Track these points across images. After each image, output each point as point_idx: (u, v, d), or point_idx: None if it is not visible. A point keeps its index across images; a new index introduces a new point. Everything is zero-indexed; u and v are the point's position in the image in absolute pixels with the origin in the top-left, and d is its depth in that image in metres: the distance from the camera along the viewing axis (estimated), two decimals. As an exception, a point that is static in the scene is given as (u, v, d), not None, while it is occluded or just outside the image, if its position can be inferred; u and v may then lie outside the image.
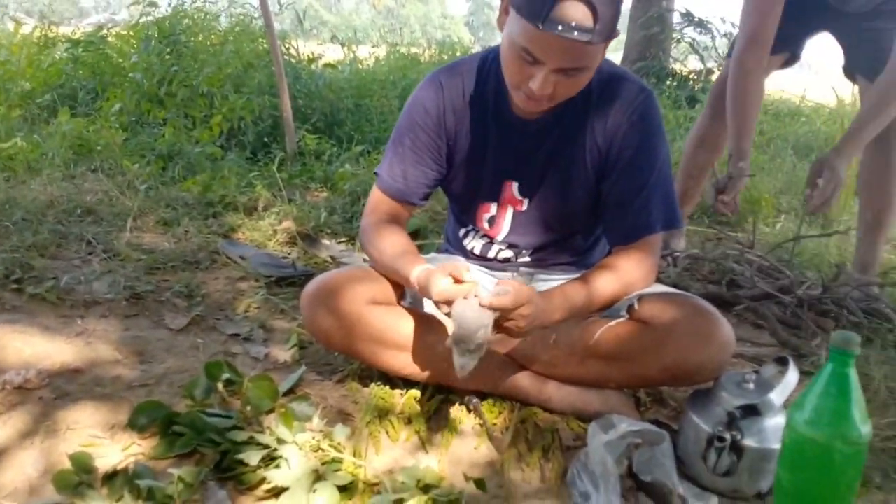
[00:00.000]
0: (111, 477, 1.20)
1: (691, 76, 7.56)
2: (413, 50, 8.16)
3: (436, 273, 1.31)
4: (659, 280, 2.28)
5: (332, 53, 6.95)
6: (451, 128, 1.51)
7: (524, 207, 1.55)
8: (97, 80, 4.33)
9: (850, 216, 4.27)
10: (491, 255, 1.64)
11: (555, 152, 1.49)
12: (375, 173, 1.59)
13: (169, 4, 5.27)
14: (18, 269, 1.93)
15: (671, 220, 1.49)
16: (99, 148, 3.21)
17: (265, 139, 3.85)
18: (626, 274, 1.46)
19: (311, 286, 1.49)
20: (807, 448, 1.03)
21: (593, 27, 1.19)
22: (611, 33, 1.25)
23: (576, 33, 1.19)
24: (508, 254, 1.63)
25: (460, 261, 1.67)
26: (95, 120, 3.63)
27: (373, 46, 8.07)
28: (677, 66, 7.85)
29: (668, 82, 7.20)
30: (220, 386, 1.48)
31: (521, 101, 1.37)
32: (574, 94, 1.36)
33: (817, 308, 2.16)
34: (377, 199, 1.58)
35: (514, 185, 1.54)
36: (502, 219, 1.58)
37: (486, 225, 1.60)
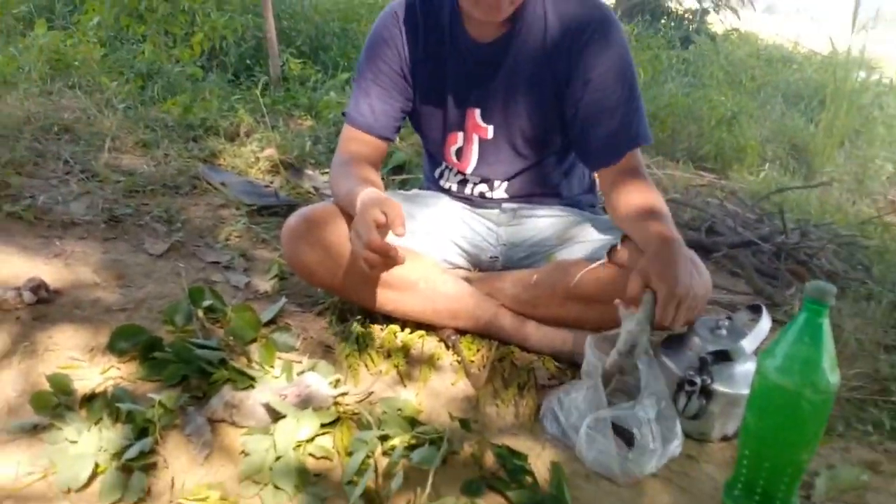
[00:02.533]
0: (90, 399, 1.20)
1: (686, 16, 7.44)
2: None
3: (368, 211, 1.25)
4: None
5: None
6: (410, 57, 1.50)
7: (490, 135, 1.54)
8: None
9: (833, 166, 4.31)
10: (467, 192, 1.63)
11: (513, 74, 1.48)
12: (343, 114, 1.56)
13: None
14: (-6, 186, 1.89)
15: (646, 135, 1.49)
16: (76, 63, 3.10)
17: (248, 61, 3.74)
18: (660, 202, 1.44)
19: (293, 219, 1.47)
20: (776, 395, 1.06)
21: None
22: None
23: None
24: (483, 188, 1.62)
25: (442, 199, 1.65)
26: (73, 34, 3.49)
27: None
28: (673, 5, 7.70)
29: (662, 20, 7.08)
30: (200, 313, 1.48)
31: (481, 12, 1.35)
32: None
33: (794, 257, 2.20)
34: (347, 136, 1.56)
35: (477, 112, 1.52)
36: (469, 149, 1.57)
37: (454, 158, 1.59)
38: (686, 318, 1.25)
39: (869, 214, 3.95)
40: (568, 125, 1.50)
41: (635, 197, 1.44)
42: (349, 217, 1.40)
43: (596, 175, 1.62)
